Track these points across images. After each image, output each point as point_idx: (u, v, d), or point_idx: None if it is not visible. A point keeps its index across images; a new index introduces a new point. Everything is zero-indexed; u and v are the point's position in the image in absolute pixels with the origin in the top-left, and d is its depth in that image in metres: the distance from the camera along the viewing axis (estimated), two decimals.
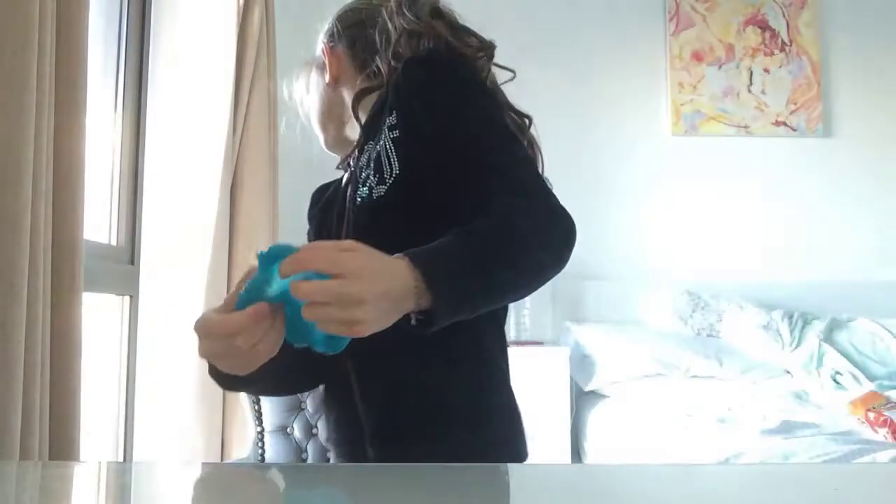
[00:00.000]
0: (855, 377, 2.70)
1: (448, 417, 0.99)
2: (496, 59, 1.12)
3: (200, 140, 2.20)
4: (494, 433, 1.02)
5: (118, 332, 2.03)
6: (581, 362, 2.86)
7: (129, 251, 2.09)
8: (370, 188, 0.99)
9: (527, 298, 2.90)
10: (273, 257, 0.75)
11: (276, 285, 0.76)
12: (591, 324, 3.04)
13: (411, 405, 0.99)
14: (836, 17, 3.42)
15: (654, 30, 3.38)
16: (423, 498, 0.70)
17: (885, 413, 2.13)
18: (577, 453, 2.75)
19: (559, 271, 0.89)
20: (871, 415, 2.15)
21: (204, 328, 0.78)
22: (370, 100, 1.09)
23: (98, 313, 1.95)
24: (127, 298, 2.05)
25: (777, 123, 3.35)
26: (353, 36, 1.16)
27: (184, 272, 2.16)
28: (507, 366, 1.08)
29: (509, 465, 0.95)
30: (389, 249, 0.86)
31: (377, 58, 1.10)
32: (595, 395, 2.83)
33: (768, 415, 2.33)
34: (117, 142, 2.07)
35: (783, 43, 3.38)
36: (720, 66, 3.35)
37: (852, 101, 3.40)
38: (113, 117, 2.07)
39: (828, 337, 2.86)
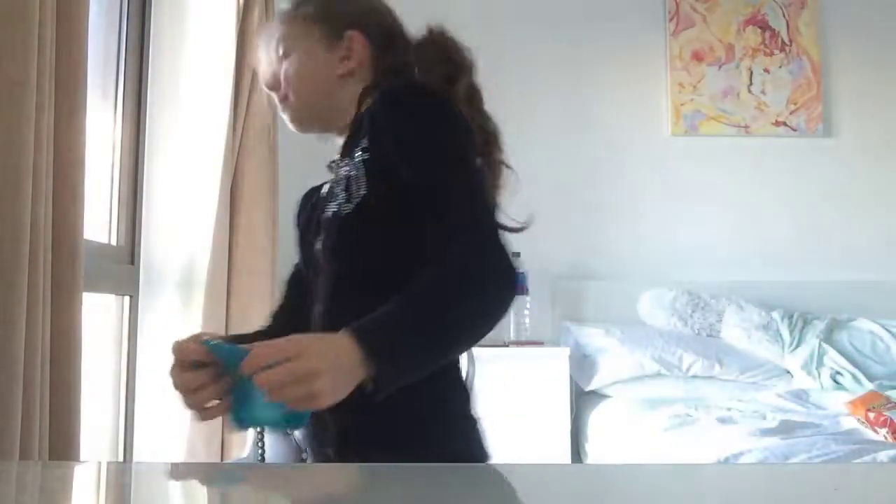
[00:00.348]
0: (855, 377, 2.69)
1: (404, 427, 1.02)
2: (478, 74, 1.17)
3: (200, 140, 2.20)
4: (449, 443, 1.06)
5: (118, 332, 2.03)
6: (581, 362, 2.86)
7: (129, 251, 2.09)
8: (339, 205, 1.06)
9: (527, 298, 2.91)
10: (218, 351, 0.88)
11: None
12: (591, 324, 3.03)
13: (371, 413, 1.00)
14: (836, 17, 3.41)
15: (654, 30, 3.38)
16: (418, 498, 0.70)
17: (885, 413, 2.13)
18: (577, 453, 2.75)
19: (501, 319, 0.97)
20: (871, 415, 2.15)
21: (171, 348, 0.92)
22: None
23: (98, 313, 1.95)
24: (127, 298, 2.05)
25: (777, 123, 3.35)
26: (383, 38, 1.18)
27: (184, 272, 2.16)
28: (461, 376, 1.14)
29: (509, 465, 0.95)
30: (353, 265, 1.04)
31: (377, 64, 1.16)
32: (595, 395, 2.83)
33: (768, 415, 2.33)
34: (117, 142, 2.07)
35: (783, 43, 3.38)
36: (720, 66, 3.35)
37: (852, 101, 3.40)
38: (113, 117, 2.07)
39: (828, 337, 2.86)
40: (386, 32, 1.18)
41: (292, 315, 1.22)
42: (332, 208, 1.08)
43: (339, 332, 0.85)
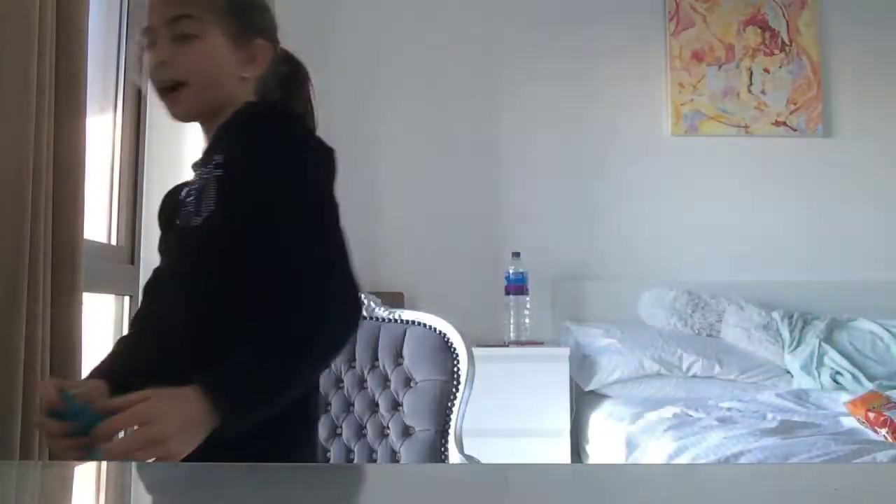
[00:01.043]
0: (855, 377, 2.69)
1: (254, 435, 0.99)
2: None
3: (200, 139, 2.19)
4: (285, 442, 1.06)
5: (118, 332, 2.03)
6: (581, 362, 2.86)
7: (129, 251, 2.09)
8: (188, 215, 1.07)
9: (527, 298, 2.91)
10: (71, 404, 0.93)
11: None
12: (591, 324, 3.03)
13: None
14: (836, 17, 3.41)
15: (654, 30, 3.37)
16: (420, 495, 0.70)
17: (885, 413, 2.12)
18: (577, 453, 2.75)
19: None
20: (871, 415, 2.15)
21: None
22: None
23: (98, 313, 1.95)
24: (127, 298, 2.05)
25: (777, 123, 3.35)
26: (277, 60, 1.16)
27: None
28: (316, 395, 1.18)
29: (507, 464, 0.95)
30: (193, 279, 1.06)
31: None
32: (595, 395, 2.83)
33: (768, 415, 2.33)
34: (117, 142, 2.07)
35: (783, 43, 3.38)
36: (720, 66, 3.35)
37: (852, 101, 3.39)
38: (113, 118, 2.07)
39: (828, 337, 2.86)
40: (280, 55, 1.17)
41: (150, 323, 1.20)
42: (182, 216, 1.09)
43: (190, 385, 0.89)
